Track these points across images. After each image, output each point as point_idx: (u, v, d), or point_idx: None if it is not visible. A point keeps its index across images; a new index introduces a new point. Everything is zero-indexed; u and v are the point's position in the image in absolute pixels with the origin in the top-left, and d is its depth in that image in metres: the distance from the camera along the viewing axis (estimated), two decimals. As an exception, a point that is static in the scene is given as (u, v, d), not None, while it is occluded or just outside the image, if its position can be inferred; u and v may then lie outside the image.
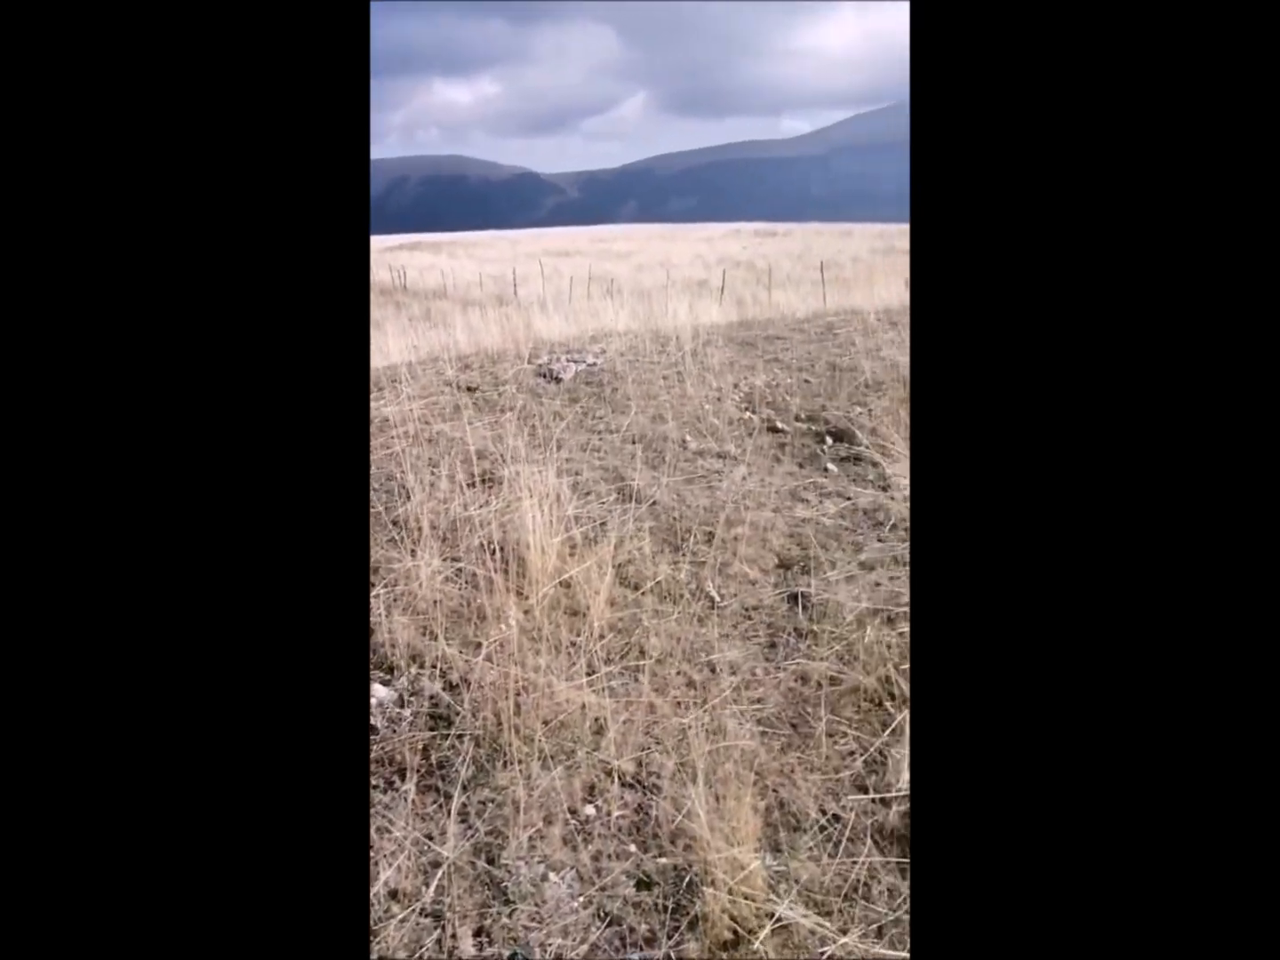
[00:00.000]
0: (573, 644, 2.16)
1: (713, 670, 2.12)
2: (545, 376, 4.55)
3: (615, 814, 1.67)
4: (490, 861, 1.54)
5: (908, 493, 3.31)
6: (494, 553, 2.41)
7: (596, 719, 1.90)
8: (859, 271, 14.89)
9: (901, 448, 3.66)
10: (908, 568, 2.70)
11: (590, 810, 1.68)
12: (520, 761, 1.75)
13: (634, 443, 3.60)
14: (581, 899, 1.48)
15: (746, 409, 4.13)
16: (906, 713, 1.93)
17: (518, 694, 1.93)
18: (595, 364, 4.70)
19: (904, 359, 4.73)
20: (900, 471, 3.51)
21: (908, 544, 2.87)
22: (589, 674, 2.04)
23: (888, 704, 2.02)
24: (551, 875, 1.52)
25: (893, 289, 9.09)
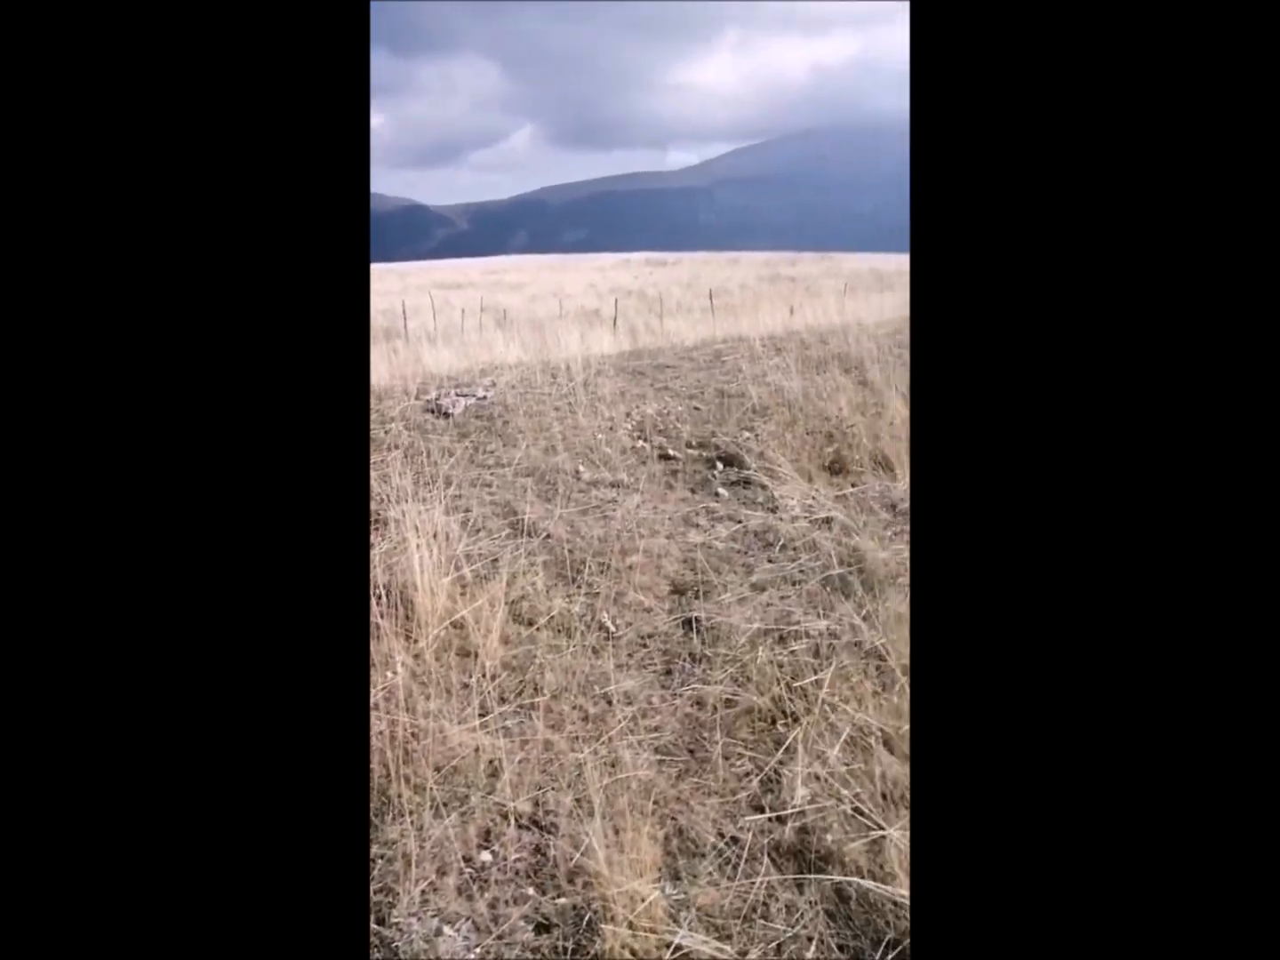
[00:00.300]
0: (465, 686, 2.12)
1: (609, 702, 2.12)
2: (434, 412, 4.48)
3: (512, 858, 1.63)
4: (380, 922, 1.48)
5: (795, 513, 3.41)
6: (380, 597, 2.34)
7: (491, 761, 1.87)
8: (746, 299, 15.37)
9: (788, 470, 3.78)
10: (797, 586, 2.78)
11: (486, 856, 1.64)
12: (411, 812, 1.69)
13: (526, 476, 3.58)
14: (478, 950, 1.44)
15: (639, 437, 4.18)
16: (799, 730, 1.98)
17: (407, 742, 1.87)
18: (486, 397, 4.66)
19: (788, 383, 4.90)
20: (787, 493, 3.61)
21: (797, 563, 2.96)
22: (482, 715, 2.00)
23: (780, 722, 2.07)
24: (446, 929, 1.47)
25: (777, 316, 9.41)
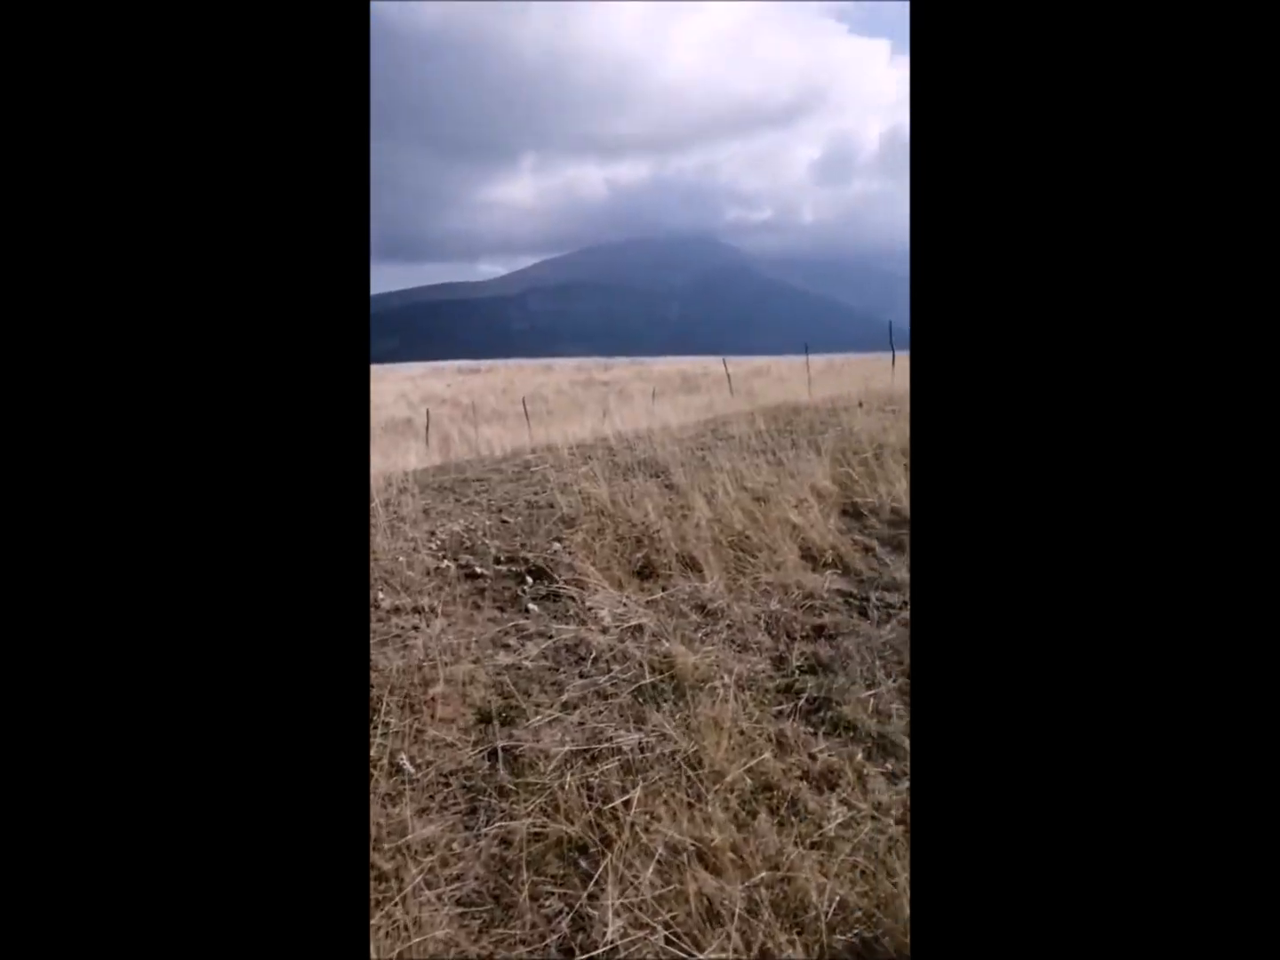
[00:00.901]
0: (238, 860, 1.89)
1: (407, 855, 1.96)
2: (219, 544, 4.14)
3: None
4: None
5: (606, 623, 3.42)
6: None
7: (267, 947, 1.66)
8: (560, 404, 15.74)
9: (598, 579, 3.80)
10: (608, 700, 2.75)
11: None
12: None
13: (321, 607, 3.36)
14: None
15: (443, 557, 4.07)
16: (609, 858, 1.92)
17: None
18: (278, 524, 4.38)
19: (596, 491, 4.99)
20: (599, 602, 3.62)
21: (609, 676, 2.94)
22: (258, 893, 1.78)
23: (592, 850, 2.00)
24: None
25: (588, 422, 9.67)
